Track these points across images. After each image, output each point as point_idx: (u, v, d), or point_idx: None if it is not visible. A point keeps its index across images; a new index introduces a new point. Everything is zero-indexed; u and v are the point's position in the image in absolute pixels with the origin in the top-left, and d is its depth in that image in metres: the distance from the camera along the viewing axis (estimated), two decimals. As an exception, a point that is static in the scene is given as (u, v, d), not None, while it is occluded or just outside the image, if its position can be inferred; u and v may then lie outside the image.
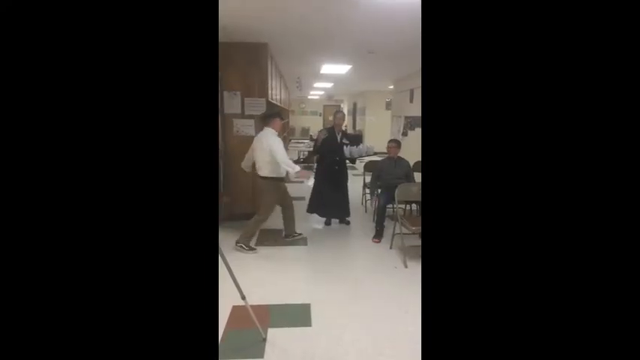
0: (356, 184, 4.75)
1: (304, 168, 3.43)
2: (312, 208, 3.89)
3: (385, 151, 3.75)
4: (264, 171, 3.05)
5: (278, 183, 3.12)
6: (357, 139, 4.01)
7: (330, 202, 3.79)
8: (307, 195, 4.06)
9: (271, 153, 2.94)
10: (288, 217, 3.36)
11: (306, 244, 3.37)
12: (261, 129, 3.16)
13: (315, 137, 4.27)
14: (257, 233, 3.29)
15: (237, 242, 3.16)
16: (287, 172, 3.12)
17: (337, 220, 4.00)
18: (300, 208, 3.80)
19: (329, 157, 3.72)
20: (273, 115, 3.20)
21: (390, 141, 3.73)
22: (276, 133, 3.11)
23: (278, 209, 3.31)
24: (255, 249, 3.16)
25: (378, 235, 3.53)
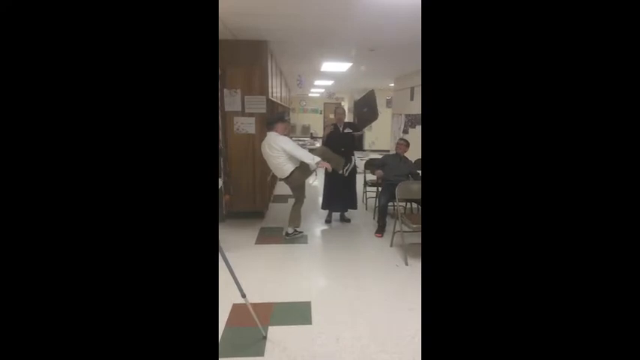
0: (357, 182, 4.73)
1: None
2: (325, 204, 3.94)
3: (385, 148, 3.77)
4: (284, 171, 3.10)
5: (301, 167, 3.17)
6: (356, 126, 4.08)
7: (337, 194, 3.82)
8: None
9: (285, 153, 3.02)
10: (296, 211, 3.40)
11: (306, 242, 3.37)
12: (266, 134, 3.20)
13: (315, 135, 4.31)
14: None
15: (291, 235, 3.40)
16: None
17: (337, 218, 4.01)
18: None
19: (335, 149, 3.76)
20: (276, 119, 3.21)
21: (401, 139, 3.84)
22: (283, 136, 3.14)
23: (279, 207, 3.32)
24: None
25: (381, 230, 3.56)
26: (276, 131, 3.11)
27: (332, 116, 4.84)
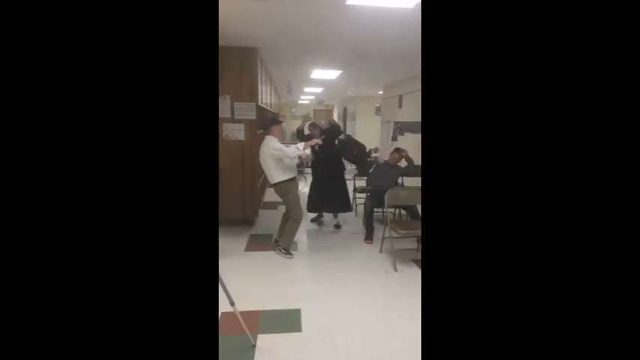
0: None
1: (298, 173, 3.40)
2: (311, 207, 3.92)
3: (374, 155, 3.80)
4: (273, 178, 3.06)
5: (292, 183, 3.11)
6: (333, 130, 3.97)
7: (327, 195, 3.81)
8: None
9: (272, 158, 2.97)
10: (286, 226, 3.31)
11: (296, 248, 3.35)
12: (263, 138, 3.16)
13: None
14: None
15: (276, 244, 3.21)
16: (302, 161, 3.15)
17: (326, 223, 4.01)
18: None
19: (320, 153, 3.78)
20: (270, 123, 3.19)
21: (397, 149, 3.76)
22: (278, 139, 3.10)
23: (269, 214, 3.29)
24: (292, 254, 3.17)
25: (370, 236, 3.56)
26: (273, 135, 3.08)
27: (323, 122, 4.90)
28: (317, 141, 3.23)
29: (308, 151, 3.13)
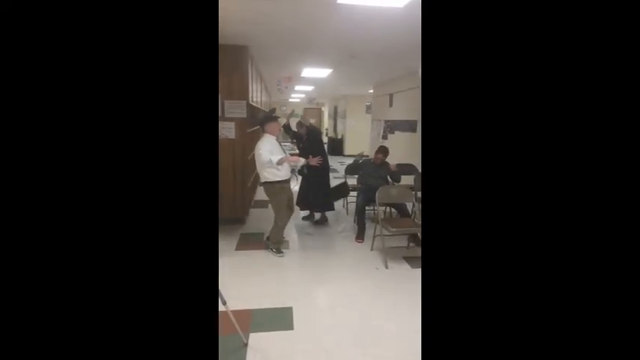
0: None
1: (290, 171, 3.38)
2: (301, 204, 3.95)
3: (364, 153, 3.81)
4: (262, 177, 3.02)
5: (280, 186, 3.02)
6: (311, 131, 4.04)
7: (312, 194, 3.83)
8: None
9: (258, 157, 2.91)
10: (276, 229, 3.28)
11: (287, 247, 3.35)
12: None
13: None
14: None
15: (267, 242, 3.23)
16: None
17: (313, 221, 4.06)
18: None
19: (303, 153, 3.80)
20: (264, 119, 3.11)
21: (381, 148, 3.73)
22: (274, 137, 3.02)
23: (260, 212, 3.26)
24: (282, 253, 3.17)
25: (361, 235, 3.57)
26: (268, 132, 3.00)
27: (312, 121, 4.93)
28: (295, 158, 3.19)
29: (302, 161, 3.10)
